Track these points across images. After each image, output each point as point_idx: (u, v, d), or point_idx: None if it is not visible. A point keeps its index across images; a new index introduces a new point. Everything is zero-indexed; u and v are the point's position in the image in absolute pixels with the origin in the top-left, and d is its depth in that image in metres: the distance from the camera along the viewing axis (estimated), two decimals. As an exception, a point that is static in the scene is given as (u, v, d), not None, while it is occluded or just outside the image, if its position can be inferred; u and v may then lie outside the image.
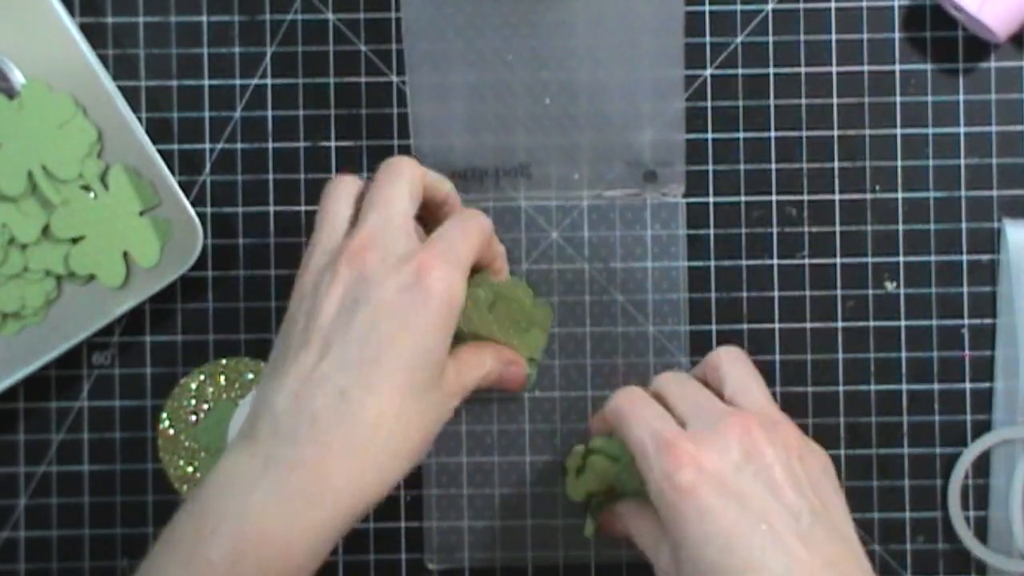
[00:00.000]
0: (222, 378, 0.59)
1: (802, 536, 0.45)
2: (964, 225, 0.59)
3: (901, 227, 0.59)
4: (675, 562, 0.46)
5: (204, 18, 0.60)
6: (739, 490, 0.45)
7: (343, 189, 0.53)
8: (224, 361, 0.59)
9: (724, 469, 0.46)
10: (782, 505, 0.45)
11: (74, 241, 0.58)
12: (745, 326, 0.59)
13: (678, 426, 0.48)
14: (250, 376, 0.59)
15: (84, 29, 0.58)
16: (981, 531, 0.59)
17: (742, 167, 0.59)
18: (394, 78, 0.60)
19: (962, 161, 0.59)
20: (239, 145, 0.60)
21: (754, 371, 0.52)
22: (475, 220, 0.53)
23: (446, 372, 0.50)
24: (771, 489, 0.46)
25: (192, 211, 0.57)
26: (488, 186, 0.59)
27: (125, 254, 0.58)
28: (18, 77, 0.58)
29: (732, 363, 0.52)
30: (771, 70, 0.59)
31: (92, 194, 0.58)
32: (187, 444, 0.59)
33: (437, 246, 0.50)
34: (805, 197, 0.59)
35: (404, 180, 0.52)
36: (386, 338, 0.48)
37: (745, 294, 0.59)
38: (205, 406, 0.59)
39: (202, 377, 0.59)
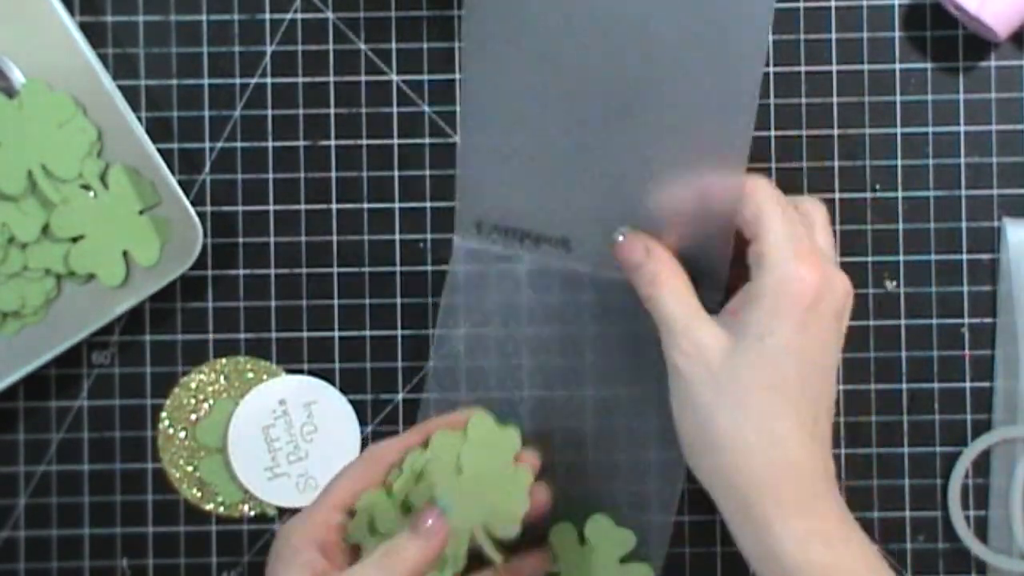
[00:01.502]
0: (222, 377, 0.59)
1: (832, 393, 0.49)
2: (964, 225, 0.59)
3: (901, 226, 0.59)
4: (731, 347, 0.47)
5: (204, 17, 0.60)
6: (831, 335, 0.48)
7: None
8: (224, 360, 0.59)
9: (833, 308, 0.48)
10: (833, 362, 0.49)
11: (74, 240, 0.58)
12: (745, 325, 0.59)
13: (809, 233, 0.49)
14: (250, 375, 0.59)
15: (84, 28, 0.58)
16: (981, 531, 0.59)
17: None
18: (394, 78, 0.60)
19: (962, 160, 0.59)
20: (239, 144, 0.60)
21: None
22: None
23: None
24: (835, 344, 0.49)
25: (192, 210, 0.57)
26: (527, 247, 0.56)
27: (125, 253, 0.58)
28: (18, 76, 0.58)
29: (825, 221, 0.51)
30: (771, 70, 0.59)
31: (92, 193, 0.58)
32: (187, 443, 0.59)
33: None
34: (805, 197, 0.59)
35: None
36: None
37: (745, 293, 0.59)
38: (205, 405, 0.59)
39: (202, 376, 0.59)
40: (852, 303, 0.49)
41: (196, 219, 0.57)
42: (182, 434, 0.59)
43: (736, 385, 0.46)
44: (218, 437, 0.59)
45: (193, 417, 0.59)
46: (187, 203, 0.57)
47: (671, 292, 0.49)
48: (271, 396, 0.59)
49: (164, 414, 0.59)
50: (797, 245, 0.47)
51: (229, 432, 0.59)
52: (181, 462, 0.59)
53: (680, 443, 0.48)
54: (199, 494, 0.59)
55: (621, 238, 0.51)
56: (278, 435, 0.59)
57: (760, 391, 0.46)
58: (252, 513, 0.59)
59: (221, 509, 0.59)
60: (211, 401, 0.59)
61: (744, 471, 0.46)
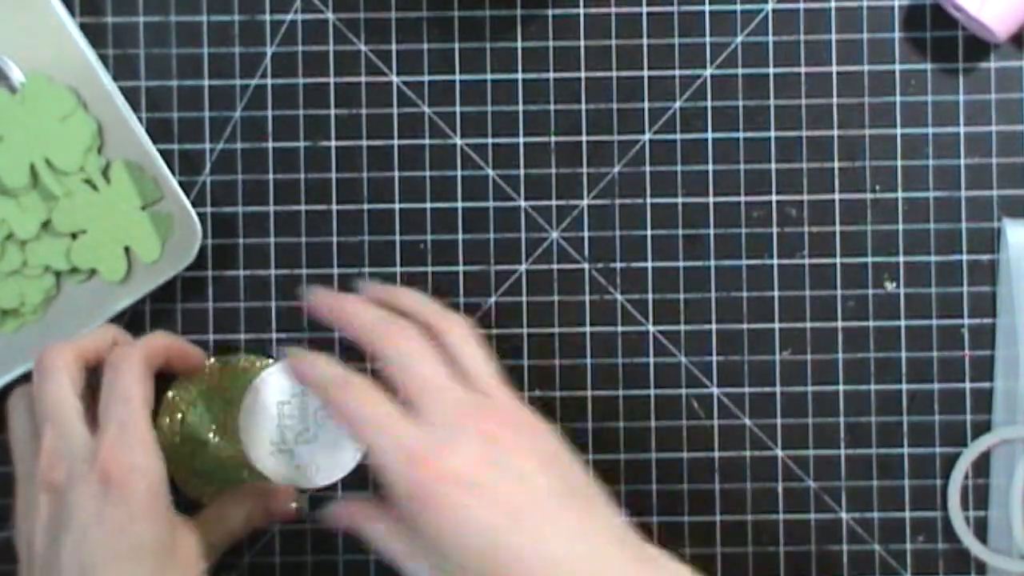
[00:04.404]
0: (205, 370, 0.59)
1: (563, 510, 0.45)
2: (964, 225, 0.59)
3: (901, 227, 0.59)
4: (431, 564, 0.45)
5: (204, 18, 0.60)
6: (496, 483, 0.45)
7: (16, 403, 0.53)
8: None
9: (478, 466, 0.45)
10: (534, 488, 0.45)
11: (74, 236, 0.58)
12: (745, 326, 0.59)
13: (413, 423, 0.47)
14: (243, 364, 0.59)
15: (84, 29, 0.58)
16: (981, 531, 0.59)
17: (742, 167, 0.59)
18: (394, 78, 0.60)
19: (962, 161, 0.59)
20: (239, 145, 0.60)
21: (482, 350, 0.51)
22: (127, 357, 0.52)
23: (178, 549, 0.50)
24: (507, 477, 0.46)
25: (191, 207, 0.57)
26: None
27: (126, 249, 0.58)
28: (17, 75, 0.58)
29: (466, 342, 0.50)
30: (771, 70, 0.59)
31: (94, 188, 0.58)
32: (176, 441, 0.59)
33: (109, 432, 0.49)
34: (805, 197, 0.59)
35: (60, 374, 0.51)
36: (99, 559, 0.47)
37: (745, 294, 0.59)
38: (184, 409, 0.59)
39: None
40: (521, 421, 0.48)
41: (195, 216, 0.57)
42: (174, 436, 0.59)
43: None
44: (203, 430, 0.58)
45: (179, 416, 0.59)
46: (186, 200, 0.57)
47: (385, 535, 0.49)
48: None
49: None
50: (398, 447, 0.46)
51: (245, 399, 0.58)
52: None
53: None
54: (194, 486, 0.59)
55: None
56: (292, 412, 0.58)
57: None
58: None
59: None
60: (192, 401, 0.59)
61: None
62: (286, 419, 0.58)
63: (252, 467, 0.56)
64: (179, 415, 0.56)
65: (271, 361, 0.58)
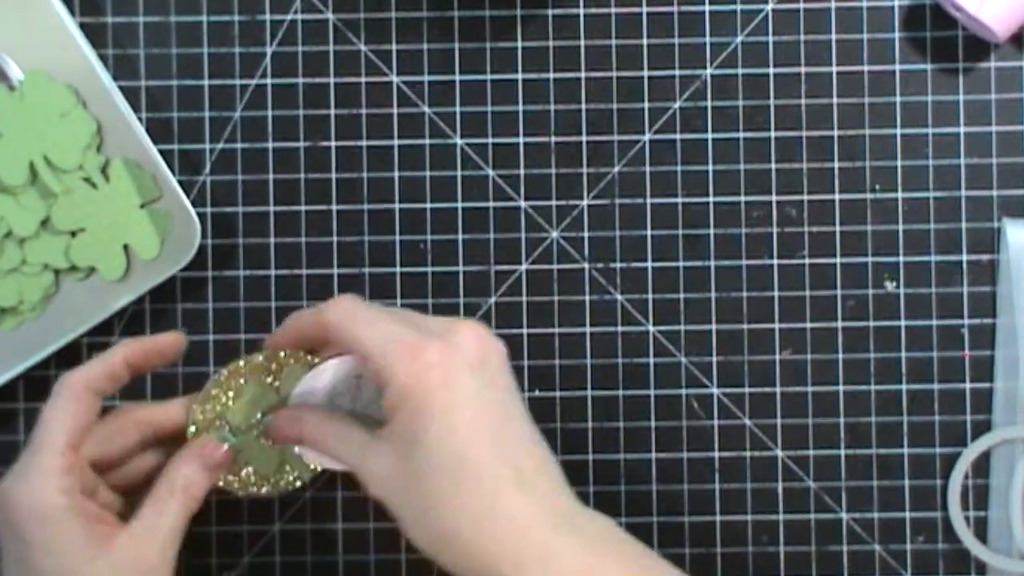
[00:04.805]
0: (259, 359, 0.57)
1: (528, 435, 0.48)
2: (964, 225, 0.59)
3: (901, 227, 0.59)
4: (404, 462, 0.46)
5: (204, 18, 0.60)
6: (480, 390, 0.46)
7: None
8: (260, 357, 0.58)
9: (467, 369, 0.46)
10: (510, 405, 0.48)
11: (73, 234, 0.58)
12: (745, 326, 0.59)
13: (412, 327, 0.48)
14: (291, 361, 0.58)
15: (84, 28, 0.58)
16: (981, 531, 0.59)
17: (742, 167, 0.59)
18: (394, 78, 0.60)
19: (962, 161, 0.59)
20: (239, 145, 0.60)
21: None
22: (59, 385, 0.51)
23: (115, 546, 0.49)
24: (506, 396, 0.48)
25: (189, 205, 0.57)
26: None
27: (125, 247, 0.58)
28: (16, 74, 0.58)
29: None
30: (771, 70, 0.59)
31: (93, 186, 0.58)
32: (217, 424, 0.57)
33: (18, 462, 0.49)
34: (805, 197, 0.59)
35: (60, 399, 0.50)
36: None
37: (745, 294, 0.59)
38: (231, 393, 0.57)
39: (241, 363, 0.57)
40: (494, 346, 0.48)
41: (194, 214, 0.57)
42: (215, 419, 0.57)
43: (418, 493, 0.46)
44: (248, 416, 0.57)
45: (223, 399, 0.57)
46: (184, 199, 0.57)
47: (341, 444, 0.49)
48: (351, 369, 0.57)
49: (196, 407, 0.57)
50: (395, 346, 0.47)
51: (297, 386, 0.56)
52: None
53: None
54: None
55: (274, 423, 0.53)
56: (341, 404, 0.57)
57: (439, 488, 0.46)
58: (283, 484, 0.57)
59: (251, 481, 0.57)
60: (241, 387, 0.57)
61: (476, 554, 0.45)
62: (336, 409, 0.57)
63: (294, 458, 0.55)
64: (217, 406, 0.55)
65: (316, 357, 0.56)
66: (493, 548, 0.45)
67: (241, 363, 0.54)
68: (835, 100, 0.59)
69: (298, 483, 0.55)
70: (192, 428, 0.53)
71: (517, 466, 0.46)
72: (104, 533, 0.49)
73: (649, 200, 0.60)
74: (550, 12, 0.60)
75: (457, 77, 0.60)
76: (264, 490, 0.54)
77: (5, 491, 0.48)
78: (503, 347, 0.48)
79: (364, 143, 0.60)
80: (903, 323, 0.59)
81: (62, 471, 0.49)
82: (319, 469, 0.54)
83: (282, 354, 0.54)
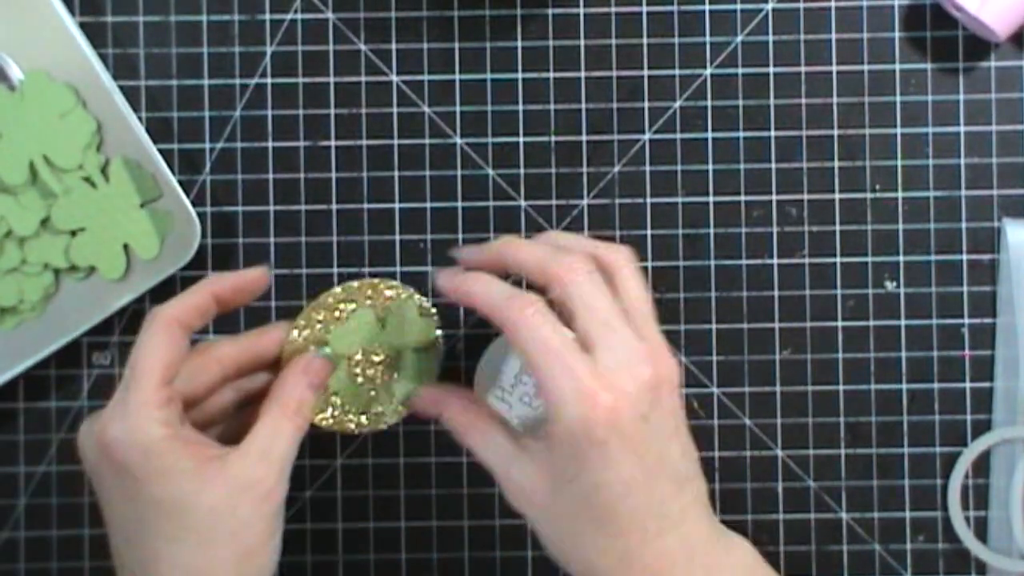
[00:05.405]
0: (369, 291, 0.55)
1: (682, 470, 0.47)
2: (964, 225, 0.59)
3: (901, 227, 0.59)
4: (551, 488, 0.46)
5: (204, 18, 0.60)
6: (643, 441, 0.45)
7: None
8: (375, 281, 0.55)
9: (634, 422, 0.45)
10: (670, 458, 0.46)
11: (73, 234, 0.58)
12: (745, 326, 0.59)
13: (589, 360, 0.46)
14: (394, 293, 0.55)
15: (84, 28, 0.58)
16: (981, 531, 0.59)
17: (742, 167, 0.59)
18: (394, 78, 0.60)
19: (962, 161, 0.59)
20: (239, 145, 0.60)
21: (645, 288, 0.50)
22: (148, 322, 0.49)
23: (229, 470, 0.48)
24: (666, 439, 0.46)
25: (189, 204, 0.57)
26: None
27: (125, 246, 0.58)
28: (16, 73, 0.58)
29: (632, 278, 0.49)
30: (771, 69, 0.59)
31: (92, 186, 0.58)
32: (312, 349, 0.56)
33: (112, 400, 0.48)
34: (805, 197, 0.59)
35: (151, 333, 0.49)
36: (115, 530, 0.49)
37: (745, 294, 0.59)
38: (338, 313, 0.55)
39: (344, 288, 0.54)
40: (668, 370, 0.47)
41: (194, 213, 0.57)
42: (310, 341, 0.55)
43: (559, 519, 0.46)
44: (350, 344, 0.54)
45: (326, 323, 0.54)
46: (184, 198, 0.57)
47: (482, 441, 0.49)
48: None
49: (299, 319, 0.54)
50: (569, 383, 0.45)
51: (498, 341, 0.56)
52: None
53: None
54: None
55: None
56: (527, 380, 0.57)
57: (581, 527, 0.46)
58: (369, 422, 0.54)
59: (332, 418, 0.55)
60: (350, 310, 0.54)
61: None
62: (523, 376, 0.57)
63: (384, 398, 0.53)
64: (317, 330, 0.53)
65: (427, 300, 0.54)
66: None
67: (345, 289, 0.53)
68: (835, 100, 0.59)
69: (384, 423, 0.53)
70: (291, 347, 0.52)
71: (663, 513, 0.46)
72: (214, 456, 0.48)
73: (649, 200, 0.60)
74: (550, 12, 0.60)
75: (457, 77, 0.60)
76: (351, 426, 0.53)
77: (105, 430, 0.47)
78: (676, 367, 0.47)
79: (364, 143, 0.60)
80: (903, 323, 0.59)
81: (159, 404, 0.47)
82: (404, 412, 0.53)
83: (389, 291, 0.53)
